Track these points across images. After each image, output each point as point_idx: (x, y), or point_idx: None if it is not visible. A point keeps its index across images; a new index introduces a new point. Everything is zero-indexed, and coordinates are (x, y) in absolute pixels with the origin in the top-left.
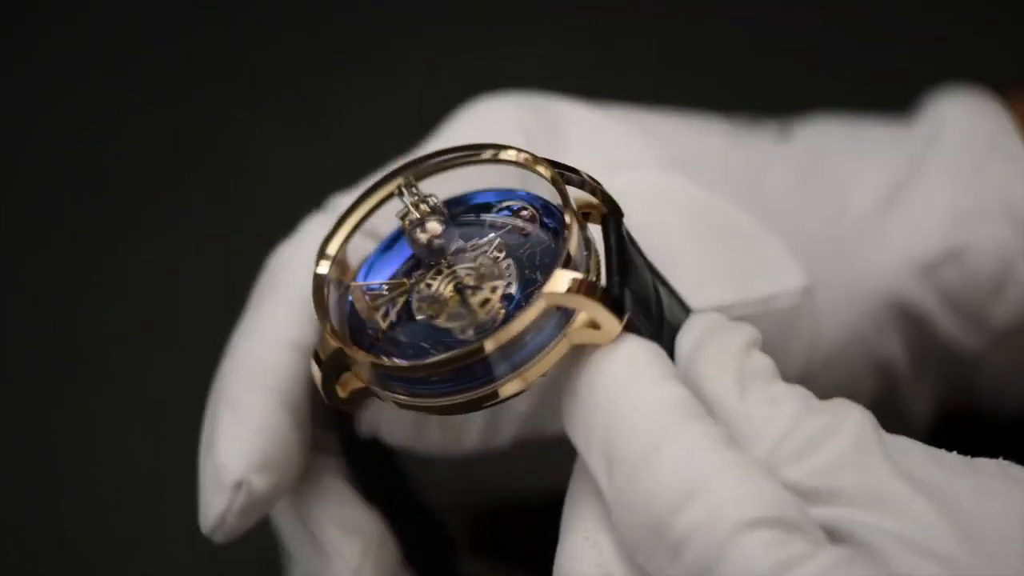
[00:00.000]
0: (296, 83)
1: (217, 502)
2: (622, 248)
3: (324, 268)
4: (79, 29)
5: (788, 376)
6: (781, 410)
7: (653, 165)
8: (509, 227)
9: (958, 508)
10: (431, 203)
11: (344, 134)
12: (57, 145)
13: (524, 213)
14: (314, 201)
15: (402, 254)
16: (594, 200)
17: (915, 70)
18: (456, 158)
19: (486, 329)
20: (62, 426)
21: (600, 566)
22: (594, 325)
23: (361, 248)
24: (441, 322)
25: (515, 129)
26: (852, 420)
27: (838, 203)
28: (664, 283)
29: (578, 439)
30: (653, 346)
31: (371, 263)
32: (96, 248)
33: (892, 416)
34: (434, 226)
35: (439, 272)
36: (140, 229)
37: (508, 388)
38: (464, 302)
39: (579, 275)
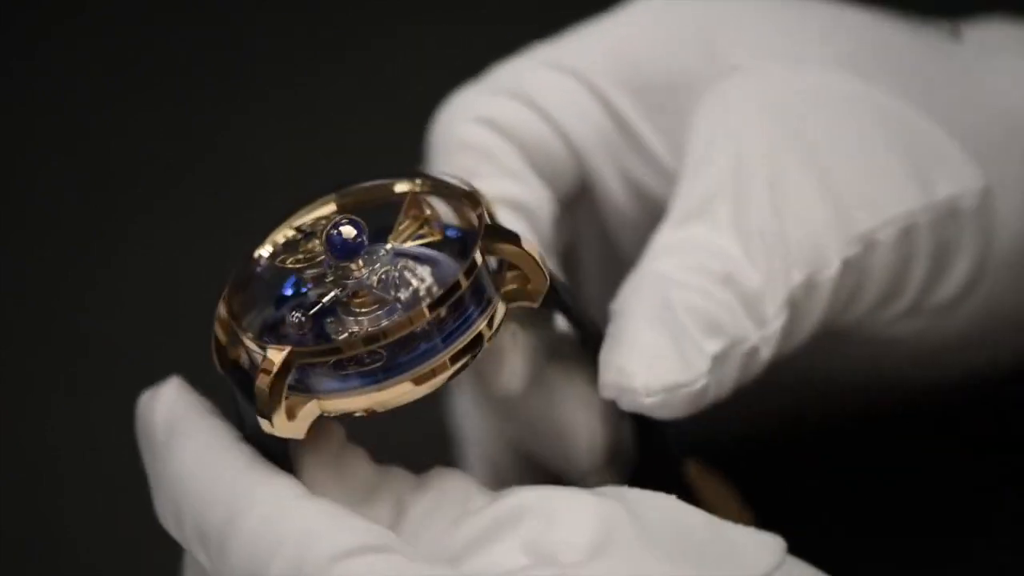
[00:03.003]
0: (296, 83)
1: None
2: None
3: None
4: (79, 29)
5: (960, 277)
6: (384, 498)
7: (830, 63)
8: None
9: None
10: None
11: (344, 134)
12: (57, 145)
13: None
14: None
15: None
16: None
17: None
18: (380, 186)
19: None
20: (61, 426)
21: None
22: (524, 281)
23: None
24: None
25: (693, 19)
26: (455, 483)
27: (1011, 104)
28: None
29: (170, 524)
30: (218, 420)
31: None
32: (96, 247)
33: None
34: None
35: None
36: (140, 228)
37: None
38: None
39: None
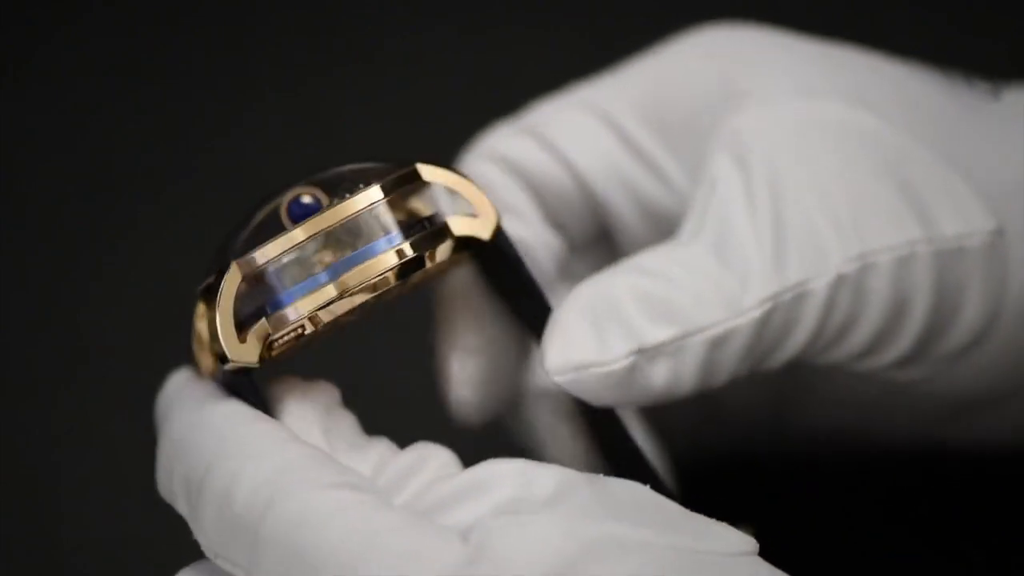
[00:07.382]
0: (296, 83)
1: None
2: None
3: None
4: (79, 29)
5: (969, 324)
6: (366, 456)
7: (841, 97)
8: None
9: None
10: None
11: (344, 134)
12: (57, 145)
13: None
14: None
15: None
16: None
17: None
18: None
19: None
20: (61, 426)
21: None
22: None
23: None
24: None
25: (714, 57)
26: (437, 454)
27: None
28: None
29: (166, 489)
30: (189, 373)
31: None
32: (96, 247)
33: None
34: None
35: None
36: (140, 228)
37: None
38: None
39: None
